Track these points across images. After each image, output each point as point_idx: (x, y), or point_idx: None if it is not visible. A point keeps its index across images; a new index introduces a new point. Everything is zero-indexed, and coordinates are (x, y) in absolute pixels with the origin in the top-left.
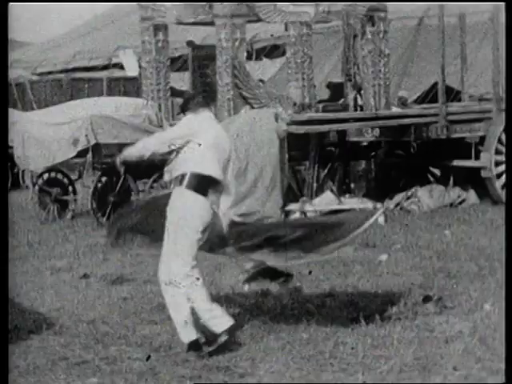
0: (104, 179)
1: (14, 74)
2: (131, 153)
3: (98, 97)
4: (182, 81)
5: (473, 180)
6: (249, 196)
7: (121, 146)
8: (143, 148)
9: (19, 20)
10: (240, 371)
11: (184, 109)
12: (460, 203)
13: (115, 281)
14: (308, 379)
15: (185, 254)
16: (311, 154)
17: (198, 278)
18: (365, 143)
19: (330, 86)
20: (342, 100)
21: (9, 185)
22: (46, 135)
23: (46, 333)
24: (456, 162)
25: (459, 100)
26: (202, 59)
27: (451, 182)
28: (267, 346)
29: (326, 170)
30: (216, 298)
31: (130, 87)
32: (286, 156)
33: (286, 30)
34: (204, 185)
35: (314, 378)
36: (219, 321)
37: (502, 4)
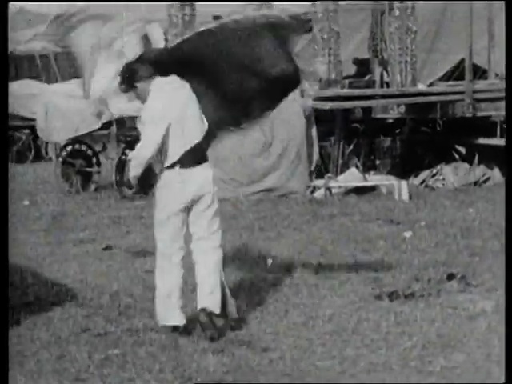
0: (128, 151)
1: (39, 46)
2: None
3: None
4: None
5: (498, 158)
6: (274, 171)
7: None
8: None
9: None
10: (263, 345)
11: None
12: (485, 181)
13: (138, 253)
14: (331, 355)
15: None
16: (336, 131)
17: None
18: (390, 120)
19: (356, 62)
20: (368, 76)
21: (31, 157)
22: (69, 107)
23: (69, 304)
24: (481, 140)
25: (485, 78)
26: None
27: (476, 160)
28: (290, 320)
29: (351, 147)
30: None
31: None
32: (314, 132)
33: (313, 5)
34: None
35: (336, 354)
36: None
37: None
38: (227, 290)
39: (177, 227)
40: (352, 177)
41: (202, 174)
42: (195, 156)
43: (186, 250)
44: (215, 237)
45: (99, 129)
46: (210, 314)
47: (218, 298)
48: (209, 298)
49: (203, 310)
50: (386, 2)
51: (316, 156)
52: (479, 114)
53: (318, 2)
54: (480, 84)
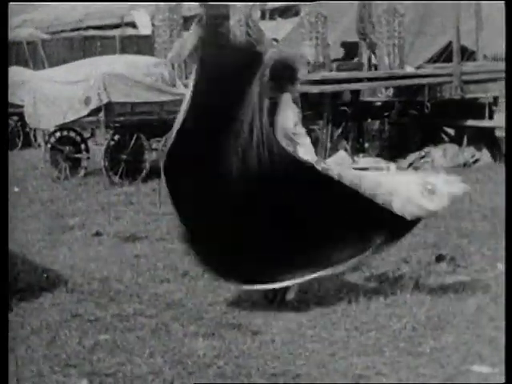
0: (117, 137)
1: (26, 32)
2: None
3: (111, 55)
4: None
5: (486, 140)
6: None
7: (133, 105)
8: None
9: None
10: (253, 329)
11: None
12: (473, 163)
13: (128, 238)
14: (321, 337)
15: None
16: (325, 114)
17: None
18: (378, 103)
19: (344, 45)
20: (356, 59)
21: (20, 143)
22: (57, 94)
23: (59, 290)
24: (470, 122)
25: (474, 60)
26: (215, 18)
27: (465, 141)
28: (280, 304)
29: (339, 130)
30: None
31: (143, 45)
32: (301, 115)
33: None
34: None
35: (327, 336)
36: None
37: None
38: None
39: None
40: (341, 160)
41: None
42: None
43: None
44: None
45: (87, 115)
46: None
47: None
48: None
49: None
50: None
51: None
52: (467, 95)
53: None
54: (468, 66)
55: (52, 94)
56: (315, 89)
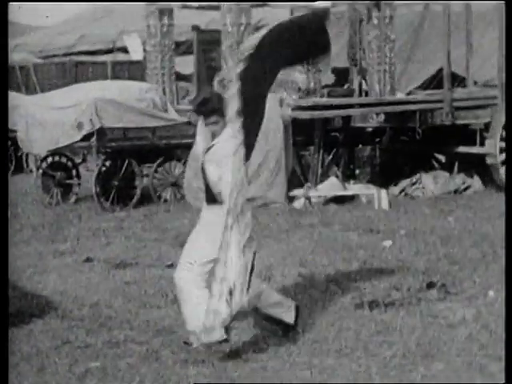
0: (108, 163)
1: (18, 57)
2: None
3: (103, 80)
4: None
5: (477, 166)
6: (253, 181)
7: (125, 130)
8: None
9: (25, 4)
10: (244, 356)
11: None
12: (464, 190)
13: (118, 265)
14: (312, 364)
15: None
16: (316, 140)
17: None
18: (369, 129)
19: (335, 71)
20: (347, 85)
21: (12, 168)
22: (50, 119)
23: (49, 316)
24: (461, 149)
25: (464, 86)
26: (206, 43)
27: (456, 168)
28: (271, 331)
29: (330, 156)
30: None
31: (134, 71)
32: (291, 141)
33: (292, 14)
34: None
35: (317, 363)
36: None
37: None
38: None
39: None
40: (332, 186)
41: None
42: None
43: None
44: None
45: (80, 140)
46: None
47: None
48: None
49: None
50: (371, 1)
51: (290, 166)
52: (458, 122)
53: (296, 11)
54: (458, 92)
55: (45, 119)
56: (306, 115)
